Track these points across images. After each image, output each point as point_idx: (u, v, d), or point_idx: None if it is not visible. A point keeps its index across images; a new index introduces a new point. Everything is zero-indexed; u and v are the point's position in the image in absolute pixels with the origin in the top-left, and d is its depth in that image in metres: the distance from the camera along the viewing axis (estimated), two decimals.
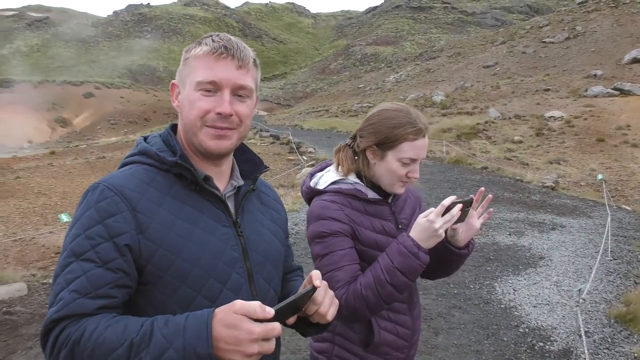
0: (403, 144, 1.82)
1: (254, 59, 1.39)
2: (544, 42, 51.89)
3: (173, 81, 1.42)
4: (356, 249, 1.84)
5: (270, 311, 1.06)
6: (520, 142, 23.63)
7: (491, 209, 1.88)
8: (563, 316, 5.45)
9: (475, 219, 1.83)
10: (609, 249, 7.72)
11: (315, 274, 1.28)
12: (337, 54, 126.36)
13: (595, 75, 36.24)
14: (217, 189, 1.37)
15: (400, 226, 1.95)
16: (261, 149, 23.02)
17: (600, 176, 12.54)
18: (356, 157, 1.96)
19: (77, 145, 42.15)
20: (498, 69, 48.21)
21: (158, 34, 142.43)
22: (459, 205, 1.66)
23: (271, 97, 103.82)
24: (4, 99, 74.41)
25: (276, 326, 1.07)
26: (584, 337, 3.71)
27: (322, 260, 1.81)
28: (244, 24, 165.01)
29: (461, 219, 1.73)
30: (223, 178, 1.45)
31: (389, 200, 1.97)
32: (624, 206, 12.37)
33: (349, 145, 2.00)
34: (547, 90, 34.75)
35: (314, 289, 1.23)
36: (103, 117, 74.54)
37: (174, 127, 1.46)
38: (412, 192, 2.12)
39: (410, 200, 2.08)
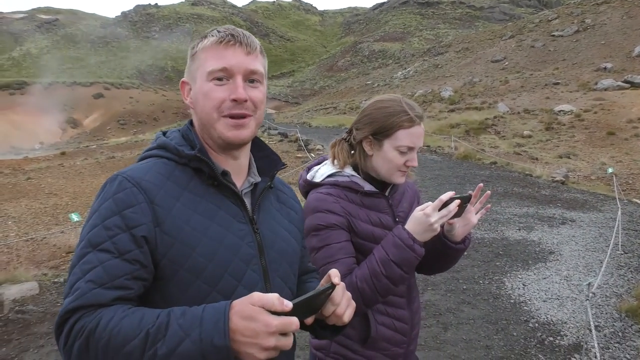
0: (399, 132, 1.82)
1: (260, 47, 1.39)
2: (553, 35, 51.55)
3: (183, 79, 1.41)
4: (353, 242, 1.84)
5: (288, 304, 1.05)
6: (530, 136, 23.50)
7: (489, 205, 1.86)
8: (573, 310, 5.42)
9: (473, 214, 1.82)
10: (620, 243, 7.66)
11: (334, 272, 1.27)
12: (344, 51, 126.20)
13: (605, 68, 35.94)
14: (234, 184, 1.36)
15: (397, 219, 1.94)
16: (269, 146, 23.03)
17: (610, 170, 12.45)
18: (352, 151, 1.97)
19: (87, 146, 42.43)
20: (507, 63, 47.95)
21: (166, 34, 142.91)
22: (457, 201, 1.66)
23: (279, 95, 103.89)
24: (15, 100, 75.14)
25: (294, 320, 1.06)
26: (594, 332, 3.69)
27: (318, 253, 1.80)
28: (252, 23, 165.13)
29: (458, 214, 1.72)
30: (241, 174, 1.44)
31: (386, 193, 1.96)
32: (634, 200, 12.26)
33: (345, 139, 2.00)
34: (557, 84, 34.52)
35: (333, 286, 1.22)
36: (112, 118, 75.00)
37: (192, 123, 1.45)
38: (410, 186, 2.12)
39: (408, 193, 2.07)
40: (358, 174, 1.93)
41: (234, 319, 1.05)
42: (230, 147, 1.37)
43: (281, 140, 25.38)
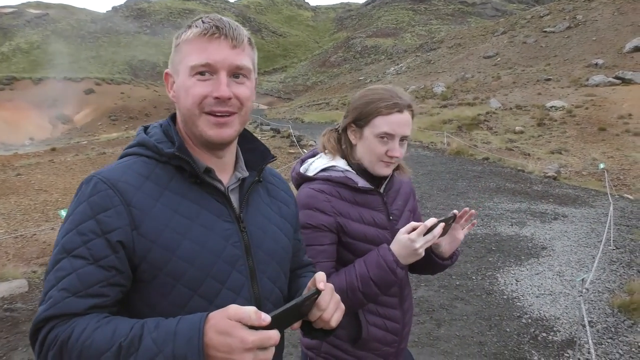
0: (376, 119, 1.79)
1: (249, 38, 1.31)
2: (544, 31, 51.72)
3: (166, 70, 1.34)
4: (342, 242, 1.81)
5: (265, 318, 0.99)
6: (522, 132, 23.58)
7: (475, 221, 1.87)
8: (566, 306, 5.42)
9: (459, 231, 1.83)
10: (612, 238, 7.68)
11: (320, 276, 1.21)
12: (337, 46, 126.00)
13: (596, 64, 36.10)
14: (219, 181, 1.30)
15: (391, 217, 1.90)
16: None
17: (602, 165, 12.46)
18: (341, 142, 1.94)
19: (78, 142, 42.15)
20: (499, 59, 48.07)
21: (157, 29, 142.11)
22: (441, 225, 1.66)
23: (271, 90, 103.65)
24: (4, 96, 74.43)
25: (273, 335, 1.00)
26: (587, 327, 3.68)
27: None
28: (244, 18, 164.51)
29: (444, 233, 1.72)
30: (226, 170, 1.37)
31: (381, 190, 1.92)
32: (626, 195, 12.33)
33: (335, 129, 1.98)
34: (548, 80, 34.65)
35: (318, 292, 1.17)
36: (104, 113, 74.48)
37: (174, 117, 1.38)
38: (405, 183, 2.07)
39: (403, 190, 2.03)
40: (350, 166, 1.88)
41: (209, 333, 1.00)
42: (212, 146, 1.31)
43: (274, 136, 25.31)
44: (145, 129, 1.38)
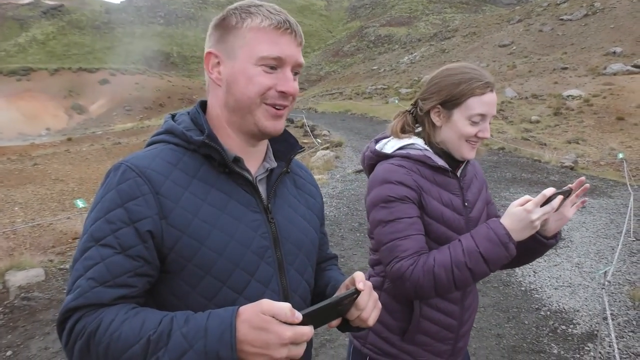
0: (470, 100, 1.68)
1: None
2: (561, 19, 50.92)
3: (210, 50, 1.27)
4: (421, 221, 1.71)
5: (298, 316, 0.99)
6: (538, 122, 23.30)
7: (586, 198, 1.74)
8: (585, 298, 5.33)
9: (568, 208, 1.68)
10: (632, 230, 7.55)
11: (359, 276, 1.19)
12: (350, 36, 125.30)
13: (614, 52, 35.49)
14: (247, 171, 1.27)
15: (466, 204, 1.81)
16: None
17: (620, 155, 12.27)
18: (417, 124, 1.85)
19: (93, 132, 42.49)
20: (514, 47, 47.47)
21: (171, 19, 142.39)
22: (560, 197, 1.55)
23: None
24: (21, 86, 75.23)
25: (307, 331, 1.00)
26: (610, 321, 3.60)
27: (386, 226, 1.66)
28: None
29: (556, 209, 1.60)
30: (257, 159, 1.34)
31: (458, 174, 1.83)
32: None
33: (409, 111, 1.88)
34: (565, 68, 34.15)
35: (357, 292, 1.13)
36: (118, 104, 75.03)
37: (202, 105, 1.35)
38: (478, 172, 1.99)
39: (477, 180, 1.94)
40: (430, 149, 1.79)
41: (242, 328, 0.99)
42: (262, 136, 1.29)
43: (287, 126, 24.79)
44: (173, 116, 1.36)
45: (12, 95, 70.71)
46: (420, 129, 1.85)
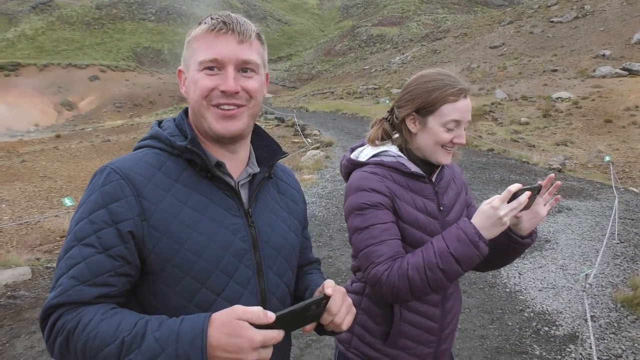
0: (443, 107, 1.71)
1: (258, 33, 1.33)
2: (552, 21, 51.24)
3: (179, 68, 1.37)
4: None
5: (271, 315, 1.04)
6: (527, 123, 23.45)
7: (559, 196, 1.75)
8: (569, 300, 5.40)
9: (542, 207, 1.70)
10: (616, 232, 7.65)
11: (329, 283, 1.24)
12: (342, 35, 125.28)
13: (603, 55, 35.76)
14: (229, 176, 1.32)
15: (442, 208, 1.83)
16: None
17: (607, 158, 12.40)
18: (394, 131, 1.87)
19: (82, 129, 42.17)
20: (505, 49, 47.71)
21: (162, 16, 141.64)
22: (527, 193, 1.56)
23: (276, 79, 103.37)
24: (10, 82, 74.51)
25: (276, 334, 1.05)
26: (590, 323, 3.66)
27: (362, 233, 1.69)
28: (249, 5, 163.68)
29: (527, 206, 1.61)
30: (239, 164, 1.39)
31: (433, 179, 1.85)
32: (631, 188, 12.26)
33: (386, 118, 1.91)
34: (555, 70, 34.38)
35: (326, 298, 1.18)
36: (108, 100, 74.49)
37: (187, 112, 1.41)
38: (457, 176, 2.00)
39: (454, 183, 1.95)
40: (403, 153, 1.82)
41: (215, 334, 1.03)
42: (221, 140, 1.32)
43: (278, 125, 25.24)
44: (159, 123, 1.41)
45: (0, 91, 70.08)
46: (397, 135, 1.88)
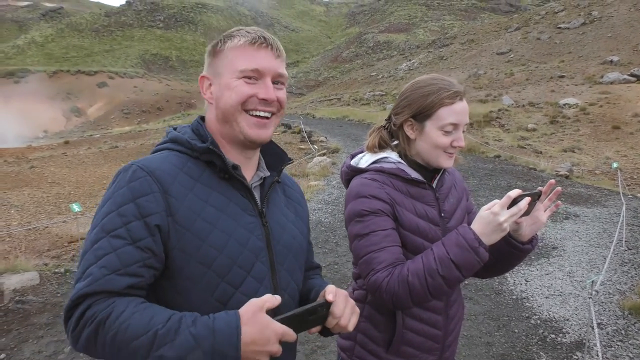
0: (440, 110, 1.72)
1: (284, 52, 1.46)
2: (559, 27, 51.14)
3: (203, 74, 1.44)
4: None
5: (278, 297, 1.18)
6: (534, 130, 23.36)
7: (559, 202, 1.74)
8: (576, 307, 5.38)
9: (542, 213, 1.69)
10: (624, 239, 7.61)
11: (329, 289, 1.34)
12: (349, 42, 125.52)
13: (611, 61, 35.63)
14: (244, 178, 1.39)
15: (443, 214, 1.83)
16: (273, 138, 22.97)
17: (615, 164, 12.34)
18: (393, 138, 1.88)
19: (91, 135, 42.44)
20: (512, 55, 47.65)
21: (170, 23, 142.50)
22: (527, 198, 1.56)
23: None
24: (20, 89, 75.18)
25: (291, 332, 1.17)
26: (596, 330, 3.65)
27: (362, 240, 1.70)
28: (256, 13, 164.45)
29: (527, 212, 1.60)
30: (251, 168, 1.47)
31: (434, 186, 1.85)
32: (639, 195, 12.19)
33: (384, 126, 1.92)
34: (562, 77, 34.28)
35: (327, 303, 1.25)
36: (117, 107, 74.99)
37: (203, 119, 1.48)
38: (458, 182, 2.00)
39: (455, 189, 1.95)
40: (403, 160, 1.83)
41: (247, 330, 1.12)
42: (249, 145, 1.41)
43: (284, 131, 25.29)
44: (175, 129, 1.48)
45: (10, 97, 70.66)
46: (396, 142, 1.88)
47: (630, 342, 4.65)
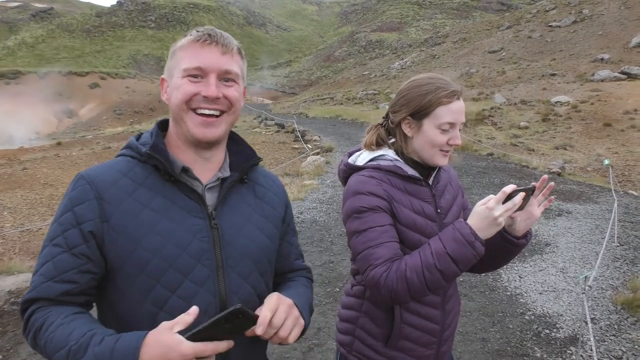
0: (438, 109, 1.75)
1: (239, 48, 1.44)
2: (550, 26, 51.38)
3: (162, 76, 1.48)
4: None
5: (191, 315, 1.17)
6: (527, 127, 23.47)
7: (552, 197, 1.78)
8: (569, 303, 5.43)
9: (536, 207, 1.72)
10: (616, 235, 7.68)
11: (268, 300, 1.32)
12: (341, 41, 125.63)
13: (602, 59, 35.85)
14: (196, 179, 1.39)
15: (439, 210, 1.86)
16: (266, 138, 22.99)
17: (606, 161, 12.41)
18: (390, 136, 1.91)
19: (83, 136, 42.22)
20: (504, 54, 47.83)
21: (162, 23, 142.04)
22: (522, 194, 1.59)
23: (276, 85, 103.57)
24: (10, 90, 74.66)
25: (209, 347, 1.15)
26: (590, 325, 3.70)
27: (360, 236, 1.72)
28: (248, 12, 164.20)
29: (521, 207, 1.64)
30: (211, 169, 1.46)
31: (430, 182, 1.89)
32: (630, 191, 12.29)
33: (381, 124, 1.94)
34: (554, 75, 34.45)
35: (241, 310, 1.15)
36: (109, 108, 74.57)
37: (163, 122, 1.51)
38: (453, 179, 2.03)
39: (451, 186, 1.98)
40: (400, 159, 1.86)
41: (148, 351, 1.13)
42: (199, 144, 1.40)
43: (278, 131, 25.31)
44: (140, 135, 1.51)
45: (1, 99, 70.20)
46: (393, 140, 1.91)
47: (623, 336, 4.70)
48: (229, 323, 1.15)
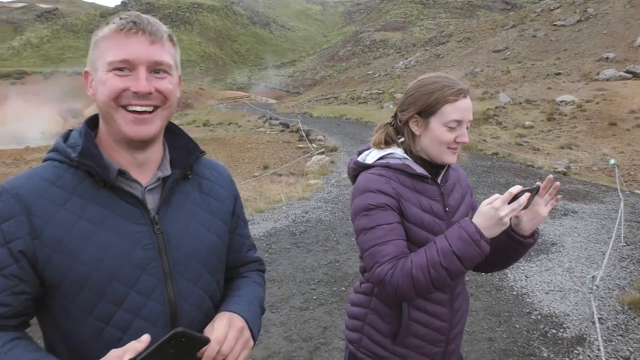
0: (444, 107, 1.76)
1: (169, 35, 1.29)
2: (555, 25, 51.23)
3: (85, 69, 1.30)
4: (402, 227, 1.77)
5: (143, 342, 1.08)
6: (531, 127, 23.41)
7: (559, 196, 1.79)
8: (576, 303, 5.42)
9: (542, 207, 1.73)
10: (622, 235, 7.65)
11: (217, 325, 1.26)
12: (345, 40, 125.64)
13: (607, 58, 35.72)
14: (135, 182, 1.28)
15: (447, 209, 1.87)
16: (271, 137, 23.01)
17: (612, 161, 12.38)
18: (398, 135, 1.92)
19: None
20: (508, 53, 47.72)
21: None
22: (527, 194, 1.60)
23: (280, 85, 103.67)
24: (16, 90, 75.01)
25: None
26: (597, 324, 3.69)
27: (368, 234, 1.73)
28: (252, 12, 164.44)
29: (525, 206, 1.65)
30: (149, 169, 1.34)
31: (439, 181, 1.90)
32: (636, 191, 12.24)
33: (390, 123, 1.96)
34: (559, 74, 34.35)
35: (183, 332, 1.07)
36: None
37: (92, 119, 1.35)
38: (462, 178, 2.05)
39: (460, 185, 2.00)
40: (408, 156, 1.87)
41: None
42: (132, 143, 1.27)
43: (282, 131, 25.34)
44: (69, 132, 1.35)
45: (7, 99, 70.55)
46: (402, 139, 1.92)
47: (630, 336, 4.69)
48: (173, 348, 1.06)
